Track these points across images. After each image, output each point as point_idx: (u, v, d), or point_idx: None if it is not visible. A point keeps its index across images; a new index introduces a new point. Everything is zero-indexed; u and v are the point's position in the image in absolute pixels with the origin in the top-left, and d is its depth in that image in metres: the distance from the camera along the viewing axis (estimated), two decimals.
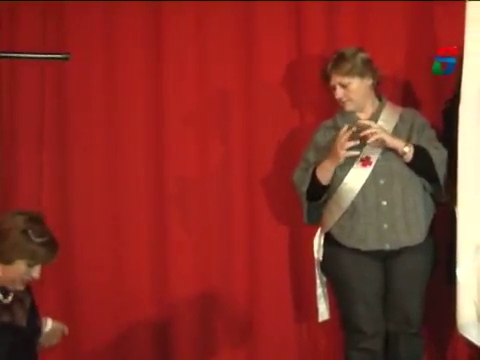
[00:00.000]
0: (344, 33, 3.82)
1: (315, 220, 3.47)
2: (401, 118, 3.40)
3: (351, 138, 3.26)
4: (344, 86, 3.35)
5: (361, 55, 3.38)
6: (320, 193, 3.38)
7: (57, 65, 3.74)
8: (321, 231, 3.42)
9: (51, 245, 2.77)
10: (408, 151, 3.27)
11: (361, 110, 3.41)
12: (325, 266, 3.41)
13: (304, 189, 3.38)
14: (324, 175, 3.33)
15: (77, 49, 3.71)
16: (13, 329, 2.81)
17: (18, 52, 3.48)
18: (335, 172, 3.33)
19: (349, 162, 3.30)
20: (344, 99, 3.37)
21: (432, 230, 3.40)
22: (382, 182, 3.30)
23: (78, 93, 3.84)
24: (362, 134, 3.25)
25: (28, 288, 2.87)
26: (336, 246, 3.36)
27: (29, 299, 2.88)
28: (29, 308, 2.87)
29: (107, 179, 3.85)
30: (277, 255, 3.81)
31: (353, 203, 3.30)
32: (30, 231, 2.71)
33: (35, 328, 2.88)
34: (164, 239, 3.83)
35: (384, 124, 3.35)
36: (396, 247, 3.31)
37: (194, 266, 3.81)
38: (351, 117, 3.40)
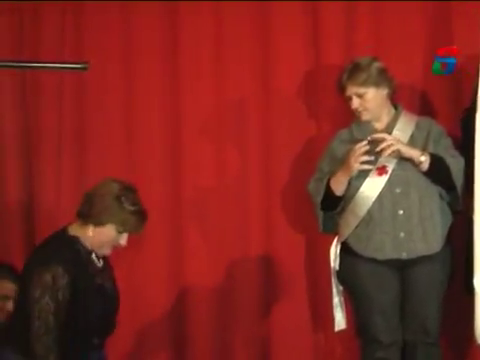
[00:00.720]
0: (361, 39, 3.82)
1: (331, 229, 3.46)
2: (417, 126, 3.39)
3: (366, 152, 3.26)
4: (360, 96, 3.35)
5: (376, 64, 3.38)
6: (335, 203, 3.38)
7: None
8: (338, 240, 3.41)
9: (141, 215, 2.89)
10: (424, 160, 3.26)
11: (377, 119, 3.40)
12: (342, 275, 3.40)
13: (319, 199, 3.37)
14: (338, 187, 3.32)
15: (94, 49, 3.82)
16: (105, 293, 2.92)
17: (38, 62, 3.54)
18: (351, 181, 3.32)
19: (365, 171, 3.29)
20: (360, 109, 3.36)
21: (449, 239, 3.38)
22: (398, 191, 3.29)
23: (96, 94, 3.89)
24: (378, 149, 3.24)
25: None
26: (353, 255, 3.35)
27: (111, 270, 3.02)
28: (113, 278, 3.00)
29: None
30: (293, 264, 3.81)
31: (369, 212, 3.29)
32: (123, 198, 2.85)
33: (118, 297, 2.99)
34: (181, 246, 3.85)
35: (400, 133, 3.35)
36: (413, 256, 3.29)
37: (210, 274, 3.82)
38: (367, 127, 3.40)
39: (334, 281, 3.43)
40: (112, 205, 2.84)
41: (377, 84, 3.35)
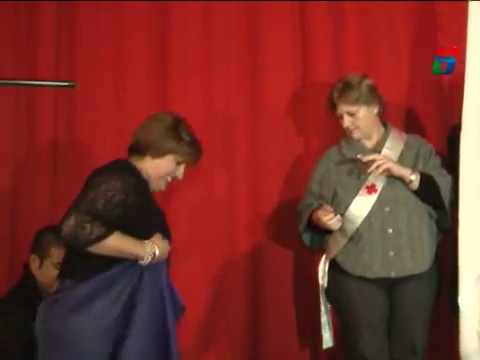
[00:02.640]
0: (349, 56, 3.84)
1: (318, 245, 3.45)
2: (407, 145, 3.40)
3: (357, 170, 3.27)
4: (351, 115, 3.34)
5: (367, 82, 3.37)
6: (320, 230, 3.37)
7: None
8: (326, 258, 3.40)
9: (198, 145, 2.92)
10: (414, 179, 3.26)
11: (367, 137, 3.41)
12: (330, 293, 3.39)
13: (301, 228, 3.39)
14: (318, 225, 3.32)
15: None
16: (164, 222, 2.92)
17: (29, 79, 3.57)
18: (340, 199, 3.32)
19: (354, 189, 3.30)
20: (351, 127, 3.36)
21: (437, 257, 3.38)
22: (387, 209, 3.28)
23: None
24: (369, 170, 3.23)
25: None
26: (341, 273, 3.34)
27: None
28: None
29: None
30: (282, 282, 3.80)
31: (358, 230, 3.28)
32: (180, 128, 2.87)
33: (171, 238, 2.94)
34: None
35: (389, 151, 3.34)
36: (402, 275, 3.29)
37: (198, 292, 3.77)
38: (357, 145, 3.40)
39: (323, 299, 3.42)
40: (170, 135, 2.84)
41: (368, 102, 3.35)
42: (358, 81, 3.36)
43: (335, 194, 3.35)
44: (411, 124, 3.79)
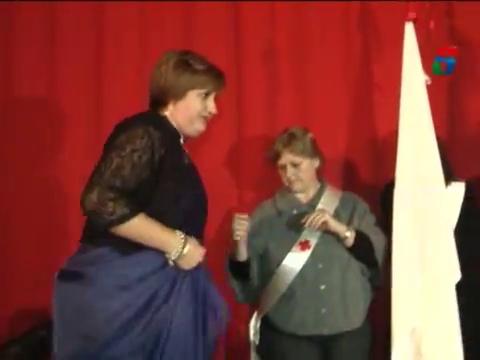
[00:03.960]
0: (284, 111, 3.85)
1: (249, 300, 3.40)
2: (342, 202, 3.39)
3: (292, 225, 3.25)
4: (295, 165, 3.33)
5: (310, 135, 3.39)
6: (244, 270, 3.29)
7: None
8: (258, 314, 3.35)
9: (216, 70, 2.68)
10: (349, 236, 3.25)
11: (304, 191, 3.39)
12: (262, 351, 3.33)
13: (226, 270, 3.33)
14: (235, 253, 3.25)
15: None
16: (197, 178, 2.71)
17: None
18: (273, 255, 3.28)
19: (287, 245, 3.26)
20: (293, 178, 3.34)
21: (370, 314, 3.36)
22: (321, 266, 3.26)
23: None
24: (307, 223, 3.20)
25: None
26: (274, 330, 3.29)
27: None
28: None
29: None
30: None
31: (291, 287, 3.24)
32: (189, 60, 2.64)
33: (207, 198, 2.77)
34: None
35: (324, 207, 3.33)
36: (334, 332, 3.25)
37: None
38: (291, 199, 3.38)
39: (253, 356, 3.35)
40: (182, 70, 2.61)
41: (311, 155, 3.35)
42: (302, 133, 3.37)
43: (266, 250, 3.31)
44: (347, 180, 3.81)
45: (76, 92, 3.91)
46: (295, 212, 3.33)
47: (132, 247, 2.48)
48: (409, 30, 3.29)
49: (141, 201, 2.47)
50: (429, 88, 3.27)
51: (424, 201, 3.18)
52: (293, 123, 3.59)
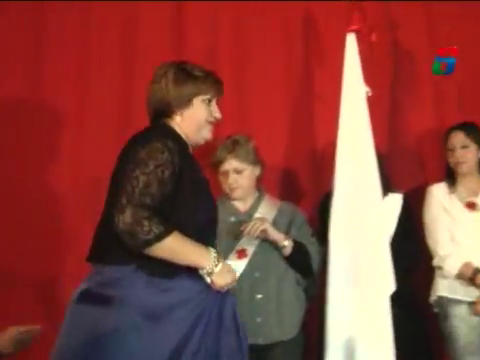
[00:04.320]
0: (225, 116, 3.80)
1: None
2: (279, 211, 3.38)
3: (230, 233, 3.22)
4: (238, 172, 3.31)
5: (252, 143, 3.38)
6: None
7: None
8: None
9: (214, 76, 2.70)
10: (287, 245, 3.25)
11: (243, 199, 3.38)
12: None
13: None
14: None
15: None
16: (211, 193, 2.64)
17: None
18: None
19: (224, 253, 3.22)
20: (234, 185, 3.32)
21: (303, 324, 3.36)
22: (257, 275, 3.25)
23: None
24: (246, 231, 3.19)
25: None
26: None
27: None
28: None
29: None
30: None
31: None
32: (187, 68, 2.65)
33: None
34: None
35: (262, 216, 3.30)
36: (269, 341, 3.25)
37: None
38: (229, 207, 3.37)
39: None
40: (185, 79, 2.61)
41: (254, 163, 3.34)
42: (245, 140, 3.36)
43: None
44: (285, 189, 3.80)
45: (62, 92, 3.85)
46: (233, 220, 3.32)
47: (160, 268, 2.44)
48: (351, 41, 3.30)
49: (164, 217, 2.44)
50: (370, 100, 3.28)
51: (361, 212, 3.18)
52: (232, 129, 3.57)
